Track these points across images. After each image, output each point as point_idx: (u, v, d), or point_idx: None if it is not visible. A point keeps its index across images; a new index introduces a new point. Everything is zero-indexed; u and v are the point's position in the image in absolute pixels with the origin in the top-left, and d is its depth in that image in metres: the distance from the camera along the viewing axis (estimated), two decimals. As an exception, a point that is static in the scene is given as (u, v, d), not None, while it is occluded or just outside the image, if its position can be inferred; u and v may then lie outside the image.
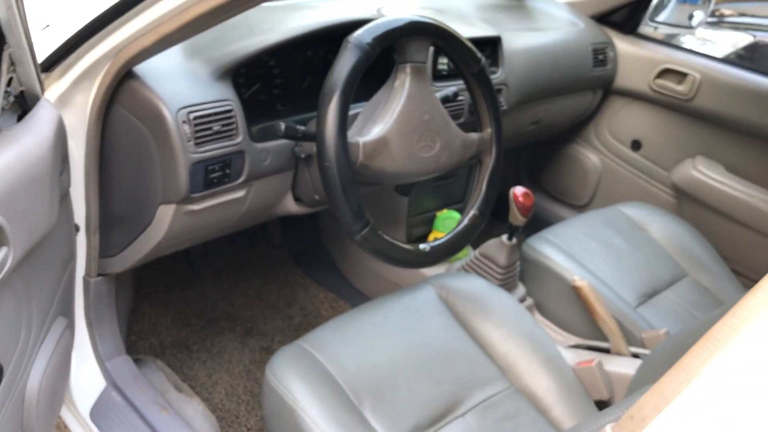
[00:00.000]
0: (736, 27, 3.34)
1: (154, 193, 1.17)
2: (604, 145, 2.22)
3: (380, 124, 1.15)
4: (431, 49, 1.37)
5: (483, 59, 1.26)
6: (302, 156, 1.26)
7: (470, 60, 1.24)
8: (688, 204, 2.03)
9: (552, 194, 2.42)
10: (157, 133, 1.10)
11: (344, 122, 1.07)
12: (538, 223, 2.12)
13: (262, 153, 1.24)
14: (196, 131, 1.11)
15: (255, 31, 1.24)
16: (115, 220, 1.27)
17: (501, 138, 1.32)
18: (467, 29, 1.58)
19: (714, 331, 0.50)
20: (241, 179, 1.22)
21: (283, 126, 1.12)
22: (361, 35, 1.10)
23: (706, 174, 1.96)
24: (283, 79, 1.38)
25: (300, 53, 1.39)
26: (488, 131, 1.31)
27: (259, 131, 1.24)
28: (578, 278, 1.49)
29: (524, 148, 2.39)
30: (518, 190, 1.50)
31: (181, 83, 1.13)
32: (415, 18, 1.16)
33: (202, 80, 1.15)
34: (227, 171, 1.18)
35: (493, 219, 2.17)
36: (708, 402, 0.46)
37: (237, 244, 2.03)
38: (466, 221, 1.29)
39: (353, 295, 1.91)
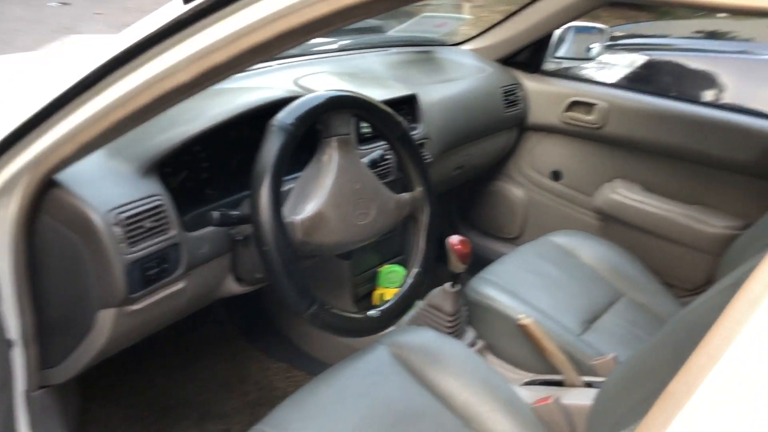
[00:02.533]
0: (630, 49, 3.57)
1: (91, 299, 1.14)
2: (527, 179, 2.31)
3: (314, 199, 1.17)
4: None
5: (404, 122, 1.31)
6: (239, 238, 1.26)
7: (391, 125, 1.29)
8: (613, 226, 2.13)
9: (484, 231, 2.49)
10: (88, 238, 1.08)
11: (278, 204, 1.08)
12: (475, 260, 2.16)
13: (198, 241, 1.23)
14: (128, 231, 1.10)
15: (176, 122, 1.24)
16: (52, 329, 1.23)
17: (431, 194, 1.36)
18: (383, 92, 1.63)
19: (669, 393, 0.52)
20: (180, 271, 1.21)
21: (216, 215, 1.12)
22: (284, 117, 1.13)
23: (625, 195, 2.06)
24: (210, 163, 1.39)
25: (224, 135, 1.40)
26: (419, 189, 1.35)
27: (192, 219, 1.24)
28: (523, 316, 1.53)
29: (452, 191, 2.46)
30: (454, 239, 1.54)
31: (107, 184, 1.12)
32: (334, 93, 1.20)
33: (128, 178, 1.14)
34: (165, 266, 1.17)
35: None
36: None
37: (182, 328, 1.99)
38: (410, 280, 1.31)
39: (307, 363, 1.89)
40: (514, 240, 2.40)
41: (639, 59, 3.24)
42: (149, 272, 1.14)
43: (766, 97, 2.67)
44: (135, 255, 1.11)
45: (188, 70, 0.87)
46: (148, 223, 1.13)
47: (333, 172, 1.20)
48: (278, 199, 1.08)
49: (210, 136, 1.33)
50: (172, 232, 1.17)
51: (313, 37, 0.88)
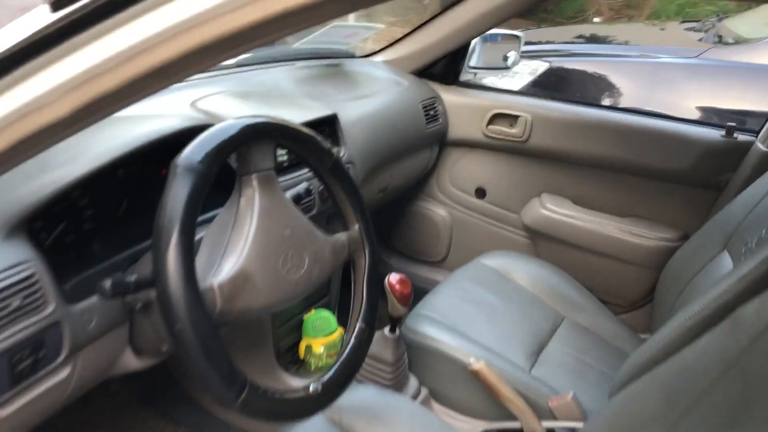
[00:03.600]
0: (531, 56, 3.54)
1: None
2: (449, 197, 2.16)
3: (233, 254, 0.93)
4: None
5: (334, 150, 1.10)
6: (138, 306, 1.00)
7: (322, 155, 1.07)
8: (543, 243, 2.02)
9: (407, 254, 2.32)
10: None
11: (191, 268, 0.84)
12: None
13: (85, 315, 0.96)
14: None
15: (49, 164, 0.97)
16: None
17: (371, 232, 1.16)
18: (300, 113, 1.41)
19: None
20: (62, 357, 0.94)
21: (108, 284, 0.86)
22: (192, 154, 0.88)
23: (554, 210, 1.95)
24: (94, 209, 1.11)
25: (111, 175, 1.13)
26: (356, 227, 1.14)
27: (75, 287, 0.97)
28: (474, 360, 1.37)
29: (373, 216, 2.27)
30: (393, 278, 1.35)
31: None
32: (250, 120, 0.96)
33: None
34: (41, 354, 0.90)
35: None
36: None
37: (67, 407, 1.66)
38: (353, 340, 1.10)
39: (220, 428, 1.62)
40: (440, 263, 2.24)
41: (541, 66, 3.20)
42: (19, 366, 0.87)
43: (672, 100, 2.68)
44: None
45: (63, 101, 0.63)
46: (15, 302, 0.85)
47: (255, 218, 0.96)
48: (191, 260, 0.84)
49: (94, 178, 1.06)
50: (50, 309, 0.90)
51: (234, 55, 0.65)
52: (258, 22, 0.57)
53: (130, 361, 1.12)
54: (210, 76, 1.59)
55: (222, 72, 1.64)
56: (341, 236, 1.11)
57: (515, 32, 2.06)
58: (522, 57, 3.54)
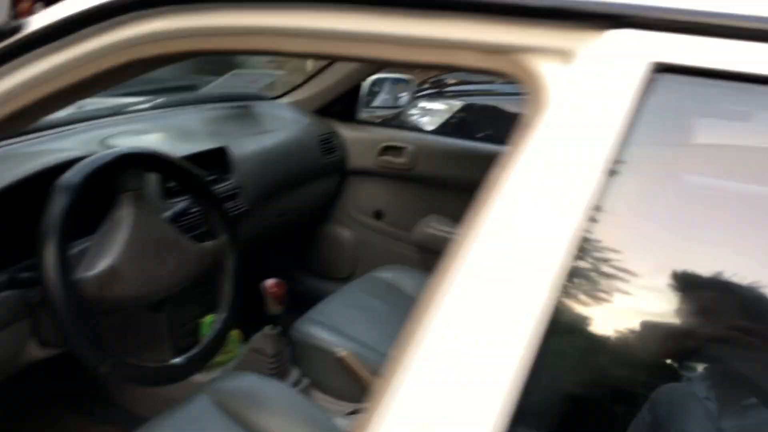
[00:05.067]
0: (454, 95, 3.87)
1: None
2: (353, 220, 2.43)
3: (107, 255, 1.19)
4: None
5: (201, 175, 1.36)
6: (36, 300, 1.24)
7: (187, 177, 1.34)
8: (431, 258, 2.28)
9: (319, 273, 2.57)
10: None
11: (64, 262, 1.09)
12: (312, 302, 2.22)
13: None
14: None
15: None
16: None
17: (235, 240, 1.41)
18: (190, 146, 1.67)
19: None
20: None
21: (4, 277, 1.11)
22: (71, 176, 1.14)
23: (438, 229, 2.23)
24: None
25: (14, 201, 1.37)
26: (222, 237, 1.40)
27: None
28: (340, 349, 1.61)
29: (281, 237, 2.52)
30: (269, 282, 1.61)
31: None
32: (126, 150, 1.23)
33: None
34: None
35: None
36: None
37: None
38: (216, 325, 1.35)
39: (132, 422, 1.83)
40: (346, 279, 2.49)
41: (458, 105, 3.52)
42: None
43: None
44: None
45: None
46: None
47: (128, 227, 1.22)
48: (63, 256, 1.09)
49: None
50: None
51: (73, 102, 0.92)
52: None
53: (35, 352, 1.33)
54: (126, 118, 1.85)
55: (137, 114, 1.90)
56: (208, 244, 1.38)
57: (405, 76, 2.36)
58: (448, 97, 3.88)
